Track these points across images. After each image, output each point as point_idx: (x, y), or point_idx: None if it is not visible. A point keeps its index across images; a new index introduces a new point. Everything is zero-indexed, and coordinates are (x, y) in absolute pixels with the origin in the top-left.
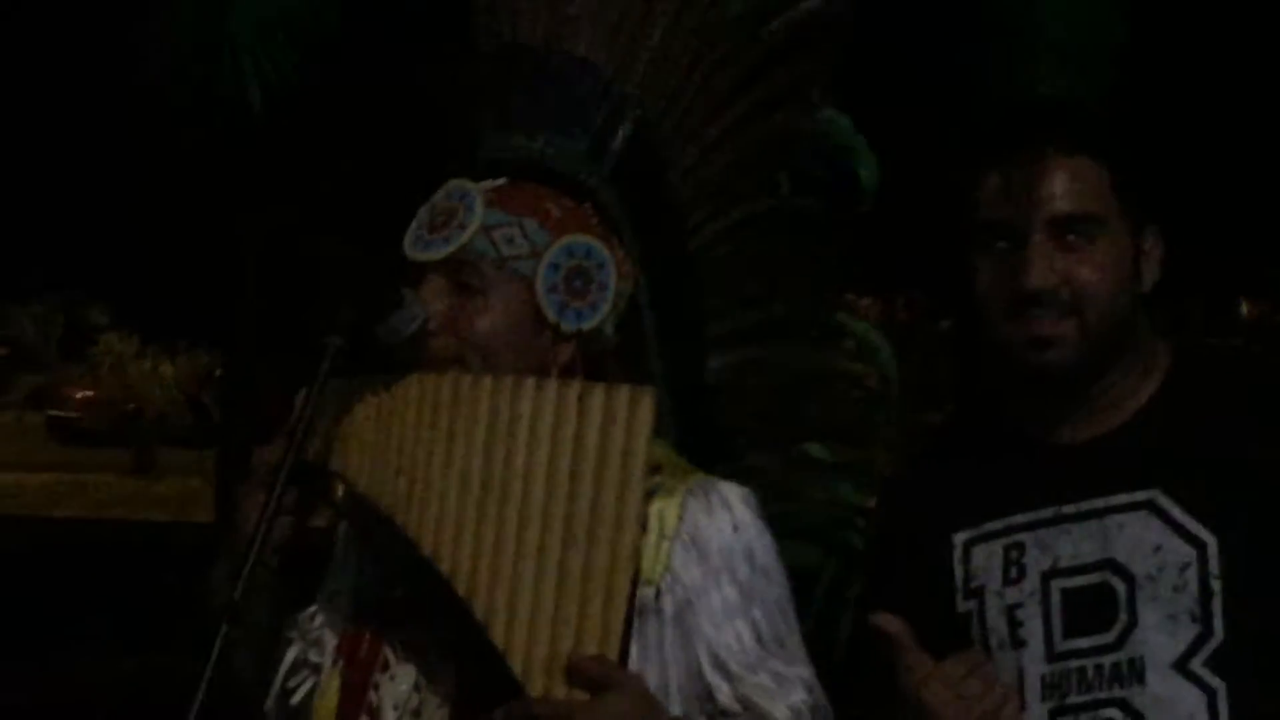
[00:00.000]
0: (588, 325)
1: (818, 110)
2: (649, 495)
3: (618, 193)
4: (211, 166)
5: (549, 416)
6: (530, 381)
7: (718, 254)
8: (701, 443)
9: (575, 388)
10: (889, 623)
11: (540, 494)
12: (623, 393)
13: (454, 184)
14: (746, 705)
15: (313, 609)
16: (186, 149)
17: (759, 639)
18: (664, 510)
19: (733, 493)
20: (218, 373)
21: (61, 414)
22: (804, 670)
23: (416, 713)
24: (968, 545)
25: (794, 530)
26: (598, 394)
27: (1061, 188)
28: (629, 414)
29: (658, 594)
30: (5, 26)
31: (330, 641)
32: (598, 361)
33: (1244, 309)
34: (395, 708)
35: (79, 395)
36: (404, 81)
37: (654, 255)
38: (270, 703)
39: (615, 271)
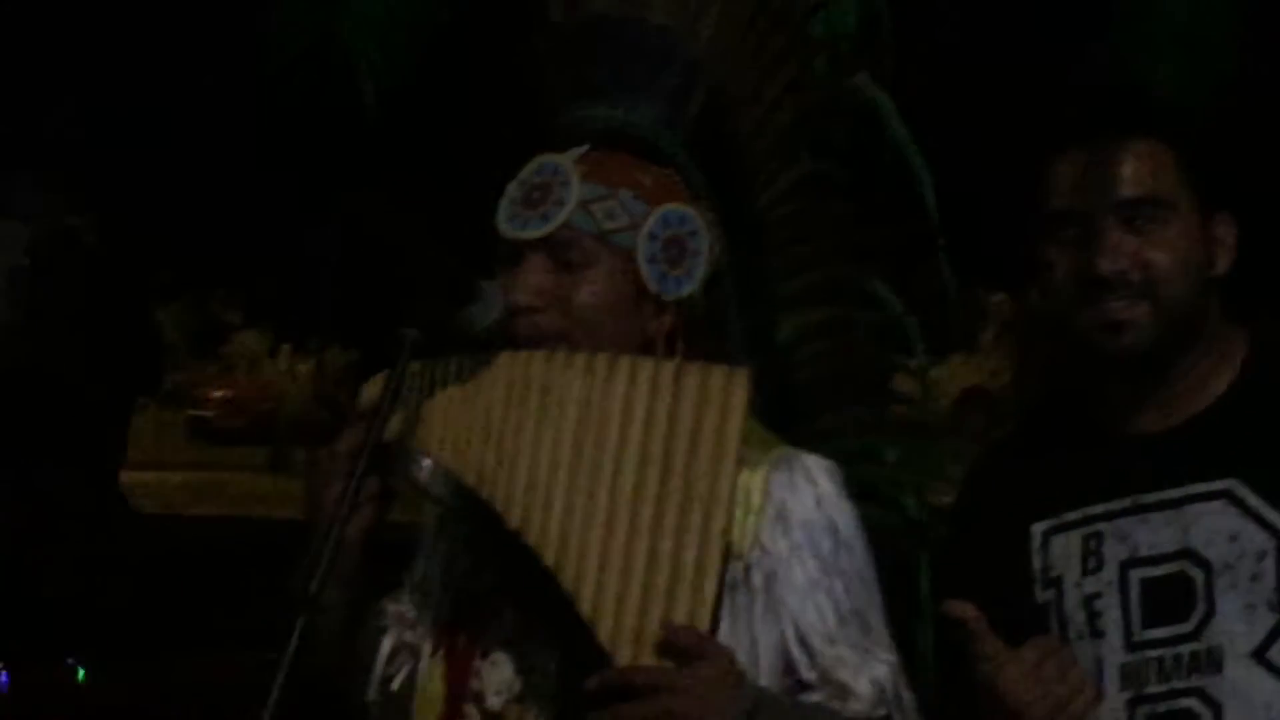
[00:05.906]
0: (687, 292)
1: (849, 78)
2: None
3: (695, 158)
4: (322, 161)
5: (643, 395)
6: (625, 360)
7: (775, 217)
8: (774, 404)
9: (670, 367)
10: (962, 609)
11: (632, 472)
12: (718, 373)
13: (544, 158)
14: (827, 679)
15: (403, 594)
16: (303, 147)
17: (839, 613)
18: (749, 484)
19: (816, 465)
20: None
21: (198, 413)
22: (885, 650)
23: (520, 697)
24: (1046, 535)
25: (862, 492)
26: (693, 373)
27: (1129, 172)
28: (724, 394)
29: (747, 569)
30: (136, 27)
31: (427, 628)
32: (693, 328)
33: None
34: (498, 692)
35: (216, 395)
36: (490, 66)
37: (729, 219)
38: (372, 692)
39: (706, 237)
